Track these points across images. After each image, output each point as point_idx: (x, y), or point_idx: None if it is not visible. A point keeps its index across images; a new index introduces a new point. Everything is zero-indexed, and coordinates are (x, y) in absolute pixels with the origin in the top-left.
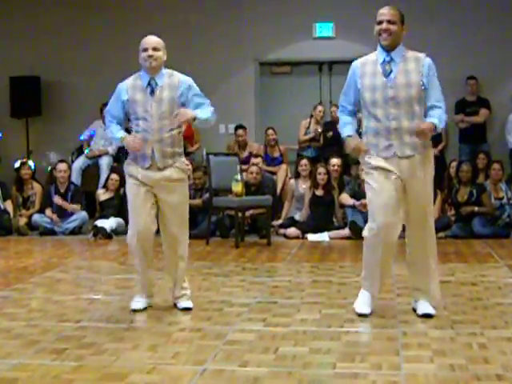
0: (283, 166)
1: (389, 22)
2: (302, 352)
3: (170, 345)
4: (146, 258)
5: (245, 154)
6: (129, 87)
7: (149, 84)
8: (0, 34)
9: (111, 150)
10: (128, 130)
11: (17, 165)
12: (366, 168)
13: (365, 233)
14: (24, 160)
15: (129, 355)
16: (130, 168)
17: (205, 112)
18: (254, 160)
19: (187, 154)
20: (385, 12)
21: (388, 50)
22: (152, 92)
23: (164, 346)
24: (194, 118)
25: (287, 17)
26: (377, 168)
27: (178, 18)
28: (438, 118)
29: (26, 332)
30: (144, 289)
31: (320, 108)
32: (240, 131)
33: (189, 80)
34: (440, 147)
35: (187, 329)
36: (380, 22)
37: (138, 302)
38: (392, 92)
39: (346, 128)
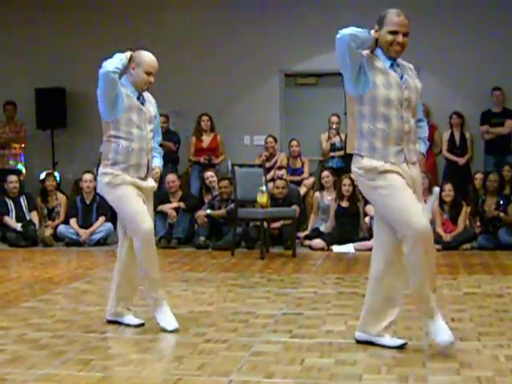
0: (310, 179)
1: (404, 34)
2: (327, 364)
3: (195, 356)
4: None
5: (271, 163)
6: (125, 94)
7: (138, 98)
8: (26, 45)
9: None
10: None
11: (42, 176)
12: (372, 174)
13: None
14: (49, 171)
15: (154, 366)
16: (121, 177)
17: (161, 158)
18: (278, 172)
19: (212, 166)
20: (402, 22)
21: (391, 59)
22: (142, 104)
23: (189, 358)
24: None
25: (312, 28)
26: (387, 171)
27: (204, 30)
28: (424, 143)
29: (52, 343)
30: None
31: (333, 119)
32: (269, 139)
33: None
34: (465, 158)
35: (212, 340)
36: (394, 33)
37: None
38: (407, 93)
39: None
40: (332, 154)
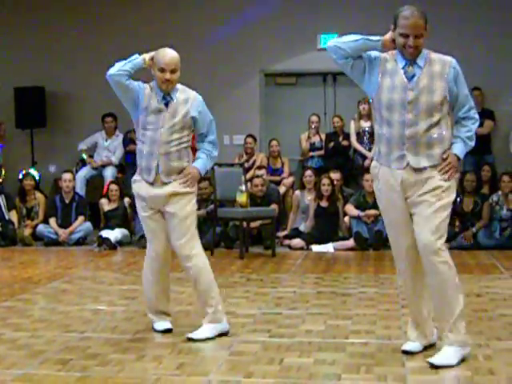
0: (290, 179)
1: (416, 36)
2: (307, 363)
3: (174, 356)
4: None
5: (250, 162)
6: (146, 94)
7: (163, 98)
8: (4, 44)
9: (115, 159)
10: (133, 141)
11: (21, 176)
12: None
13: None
14: (27, 171)
15: (133, 366)
16: (136, 185)
17: (207, 159)
18: (258, 172)
19: None
20: (412, 25)
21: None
22: (166, 104)
23: (168, 357)
24: (200, 174)
25: (292, 28)
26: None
27: (184, 30)
28: (463, 142)
29: (31, 342)
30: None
31: (313, 118)
32: (249, 139)
33: (201, 98)
34: None
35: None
36: (405, 35)
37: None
38: (412, 95)
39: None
40: (311, 153)
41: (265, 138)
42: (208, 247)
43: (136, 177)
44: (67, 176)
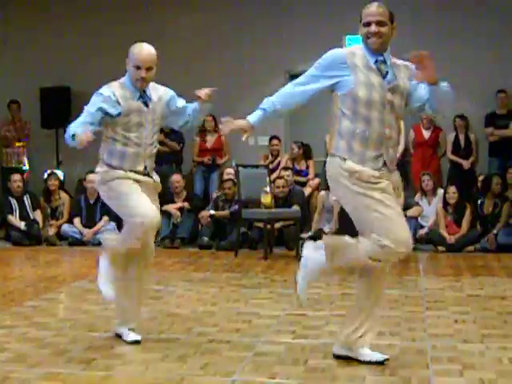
0: (315, 180)
1: (378, 23)
2: (331, 365)
3: (198, 356)
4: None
5: (274, 164)
6: (119, 97)
7: (140, 97)
8: (31, 45)
9: None
10: (159, 142)
11: (46, 175)
12: (355, 179)
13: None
14: (52, 171)
15: (157, 366)
16: (113, 172)
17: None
18: (283, 173)
19: (217, 166)
20: (373, 12)
21: (377, 53)
22: (146, 104)
23: (193, 357)
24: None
25: (317, 29)
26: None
27: (209, 30)
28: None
29: (56, 341)
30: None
31: None
32: (274, 141)
33: (172, 93)
34: (470, 161)
35: (216, 340)
36: (367, 24)
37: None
38: (390, 96)
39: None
40: None
41: (289, 139)
42: (232, 248)
43: (111, 167)
44: (92, 176)
